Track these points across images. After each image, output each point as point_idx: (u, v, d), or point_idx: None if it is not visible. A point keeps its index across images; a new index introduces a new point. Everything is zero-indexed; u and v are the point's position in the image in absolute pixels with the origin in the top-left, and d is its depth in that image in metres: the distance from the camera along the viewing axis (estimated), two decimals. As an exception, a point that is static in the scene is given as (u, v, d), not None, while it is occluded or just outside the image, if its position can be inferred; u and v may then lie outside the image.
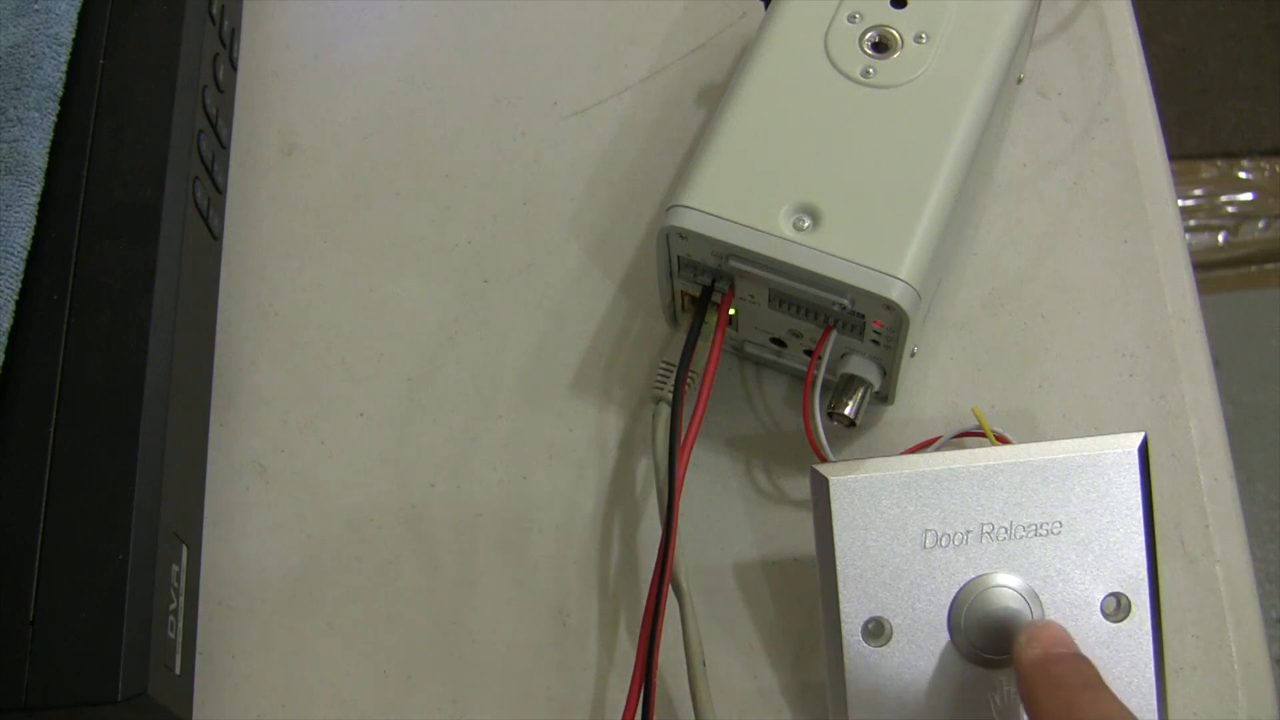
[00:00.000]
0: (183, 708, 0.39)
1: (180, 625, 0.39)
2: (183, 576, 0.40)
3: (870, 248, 0.38)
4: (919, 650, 0.37)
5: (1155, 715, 0.37)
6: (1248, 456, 1.13)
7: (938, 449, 0.42)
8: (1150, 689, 0.37)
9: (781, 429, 0.44)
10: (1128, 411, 0.43)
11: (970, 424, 0.42)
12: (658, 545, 0.38)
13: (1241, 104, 1.30)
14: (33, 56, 0.43)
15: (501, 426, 0.45)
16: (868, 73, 0.41)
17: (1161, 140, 0.48)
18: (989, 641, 0.37)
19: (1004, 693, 0.37)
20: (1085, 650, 0.37)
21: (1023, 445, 0.38)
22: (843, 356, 0.41)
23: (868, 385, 0.41)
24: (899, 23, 0.42)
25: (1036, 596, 0.37)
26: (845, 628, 0.37)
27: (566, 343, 0.46)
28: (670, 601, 0.38)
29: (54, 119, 0.43)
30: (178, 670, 0.38)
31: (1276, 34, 1.32)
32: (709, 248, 0.39)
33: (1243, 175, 1.27)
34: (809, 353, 0.42)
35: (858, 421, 0.41)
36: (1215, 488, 0.42)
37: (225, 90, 0.48)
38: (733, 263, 0.39)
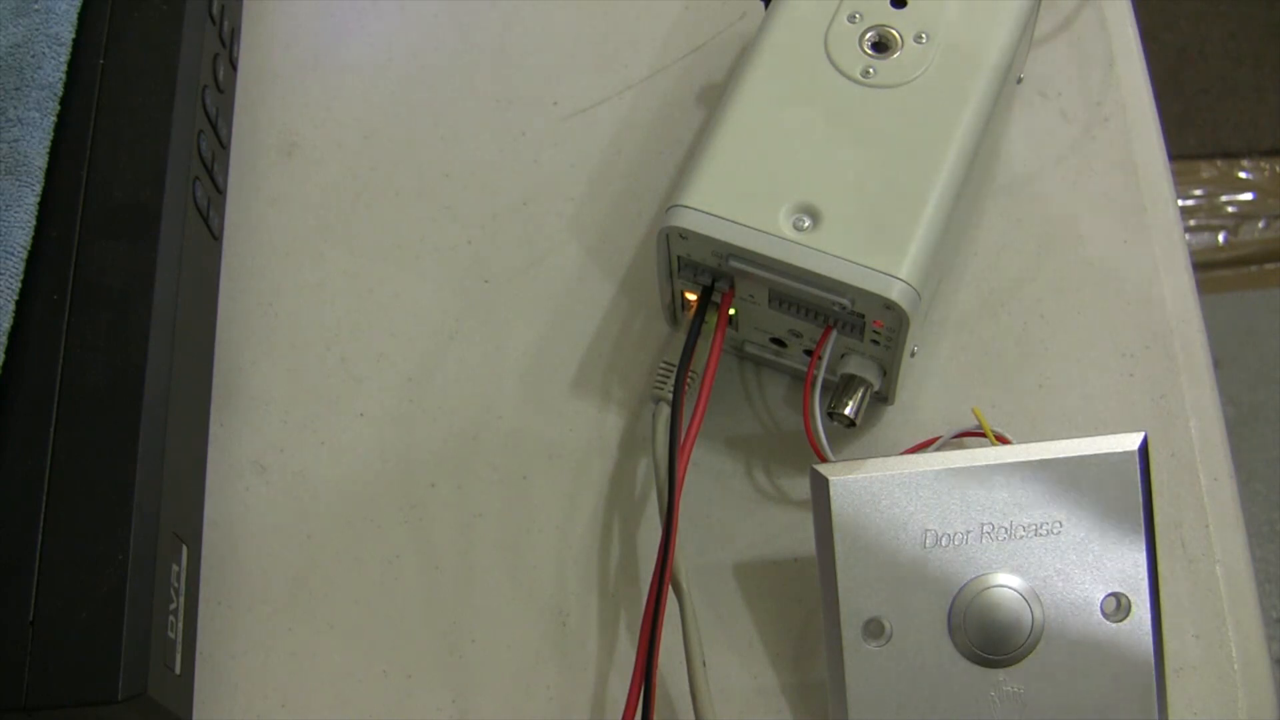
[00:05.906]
0: (183, 708, 0.39)
1: (180, 625, 0.39)
2: (183, 576, 0.40)
3: (870, 248, 0.38)
4: (919, 650, 0.37)
5: (1155, 715, 0.37)
6: (1248, 456, 1.13)
7: (938, 449, 0.42)
8: (1150, 689, 0.37)
9: (781, 429, 0.44)
10: (1128, 411, 0.43)
11: (970, 424, 0.42)
12: (658, 545, 0.38)
13: (1241, 104, 1.30)
14: (33, 56, 0.43)
15: (501, 426, 0.45)
16: (868, 73, 0.41)
17: (1161, 140, 0.48)
18: (989, 641, 0.37)
19: (1004, 692, 0.37)
20: (1085, 651, 0.37)
21: (1023, 445, 0.38)
22: (843, 356, 0.41)
23: (868, 385, 0.41)
24: (899, 23, 0.42)
25: (1036, 596, 0.37)
26: (845, 628, 0.37)
27: (566, 343, 0.46)
28: (670, 601, 0.38)
29: (54, 119, 0.42)
30: (178, 670, 0.38)
31: (1276, 34, 1.32)
32: (709, 248, 0.39)
33: (1243, 175, 1.27)
34: (809, 353, 0.42)
35: (858, 421, 0.41)
36: (1215, 488, 0.42)
37: (225, 90, 0.48)
38: (733, 263, 0.39)
